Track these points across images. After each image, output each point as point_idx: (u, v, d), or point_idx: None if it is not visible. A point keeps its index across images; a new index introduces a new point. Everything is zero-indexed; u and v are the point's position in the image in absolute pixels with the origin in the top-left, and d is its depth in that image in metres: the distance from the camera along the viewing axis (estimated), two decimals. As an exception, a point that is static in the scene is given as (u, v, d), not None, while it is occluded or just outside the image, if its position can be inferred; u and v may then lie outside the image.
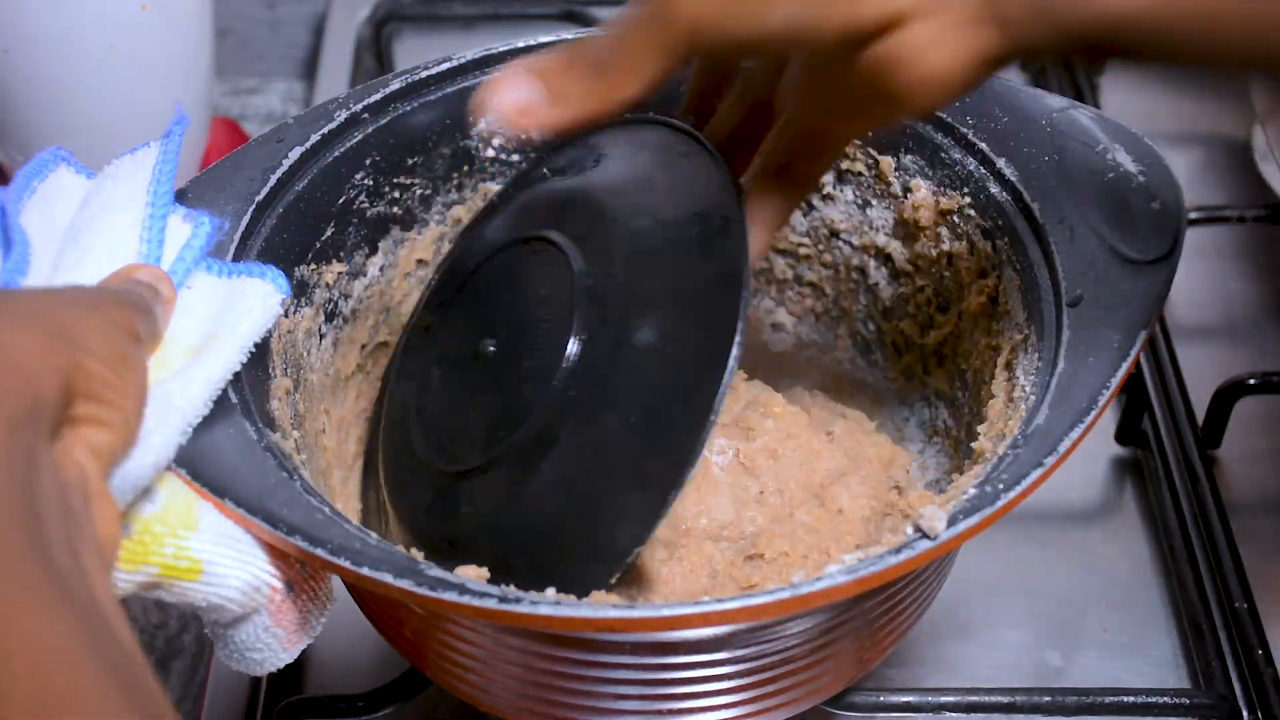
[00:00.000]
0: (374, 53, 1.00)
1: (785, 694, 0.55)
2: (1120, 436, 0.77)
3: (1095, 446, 0.77)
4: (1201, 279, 0.86)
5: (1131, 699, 0.64)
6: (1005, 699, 0.64)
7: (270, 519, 0.48)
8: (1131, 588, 0.71)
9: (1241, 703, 0.65)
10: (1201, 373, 0.79)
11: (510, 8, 1.03)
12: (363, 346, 0.66)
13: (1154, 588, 0.71)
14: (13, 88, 0.78)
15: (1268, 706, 0.64)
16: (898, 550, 0.48)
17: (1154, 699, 0.64)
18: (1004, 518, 0.73)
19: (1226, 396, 0.75)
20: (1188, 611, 0.69)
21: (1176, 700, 0.64)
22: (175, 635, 0.74)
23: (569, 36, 0.66)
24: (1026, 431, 0.52)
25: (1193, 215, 0.84)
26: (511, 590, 0.47)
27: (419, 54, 0.69)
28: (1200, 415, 0.76)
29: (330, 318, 0.63)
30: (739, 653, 0.53)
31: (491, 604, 0.46)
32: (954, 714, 0.64)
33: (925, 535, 0.48)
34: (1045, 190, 0.59)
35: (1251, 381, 0.75)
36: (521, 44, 0.65)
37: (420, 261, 0.67)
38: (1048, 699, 0.64)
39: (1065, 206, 0.58)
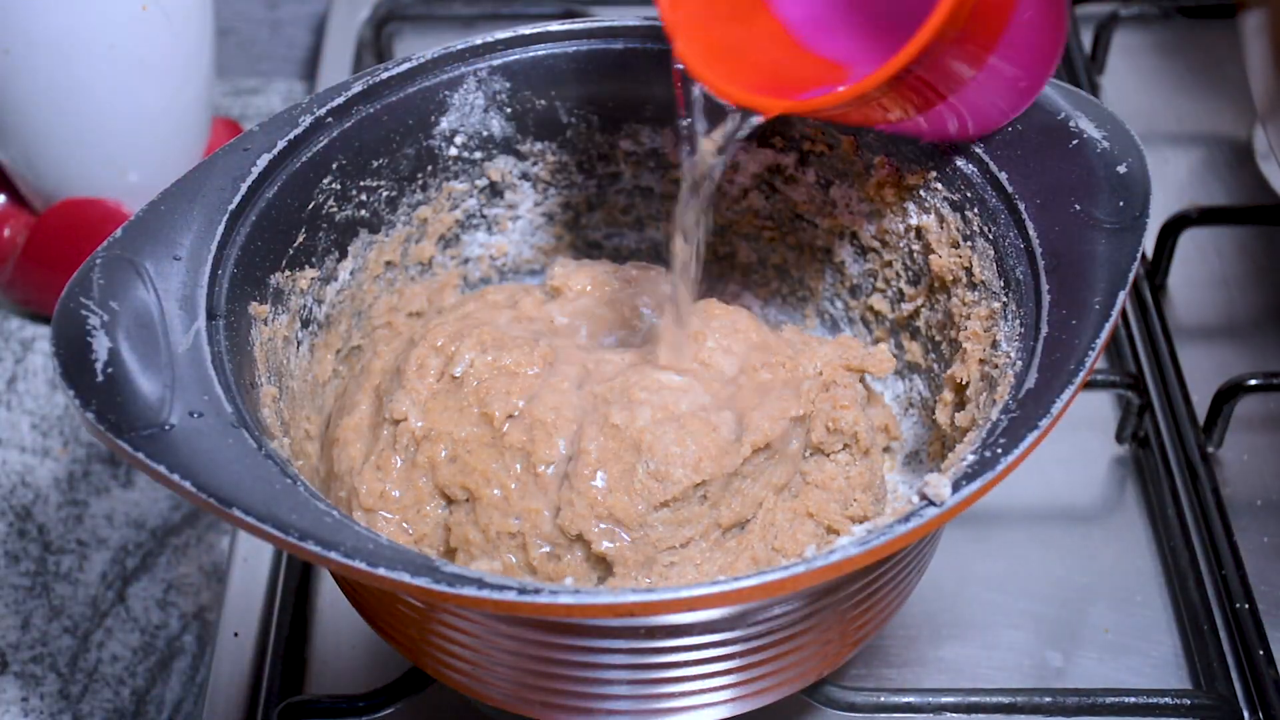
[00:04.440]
0: (375, 53, 1.00)
1: (778, 675, 0.56)
2: (1120, 436, 0.77)
3: (1095, 446, 0.78)
4: (1202, 279, 0.86)
5: (1132, 699, 0.64)
6: (1006, 699, 0.64)
7: (280, 526, 0.48)
8: (1132, 588, 0.71)
9: (1243, 703, 0.65)
10: (1201, 373, 0.79)
11: (510, 7, 1.03)
12: (337, 351, 0.66)
13: (1155, 588, 0.71)
14: (13, 88, 0.78)
15: (1269, 707, 0.65)
16: (906, 519, 0.49)
17: (1155, 700, 0.64)
18: (1005, 517, 0.74)
19: (1226, 396, 0.75)
20: (1189, 612, 0.69)
21: (1178, 701, 0.64)
22: (177, 635, 0.74)
23: (531, 30, 0.66)
24: (1018, 396, 0.52)
25: (1193, 215, 0.84)
26: (529, 582, 0.47)
27: (420, 54, 0.69)
28: (1200, 415, 0.76)
29: (305, 324, 0.63)
30: (734, 634, 0.53)
31: (510, 596, 0.46)
32: (955, 714, 0.64)
33: (931, 503, 0.49)
34: (1011, 160, 0.59)
35: (1251, 381, 0.75)
36: (479, 40, 0.65)
37: (389, 264, 0.67)
38: (1049, 699, 0.64)
39: (1033, 175, 0.59)
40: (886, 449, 0.66)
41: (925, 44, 0.50)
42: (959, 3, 0.50)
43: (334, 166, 0.63)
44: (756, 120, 0.57)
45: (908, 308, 0.66)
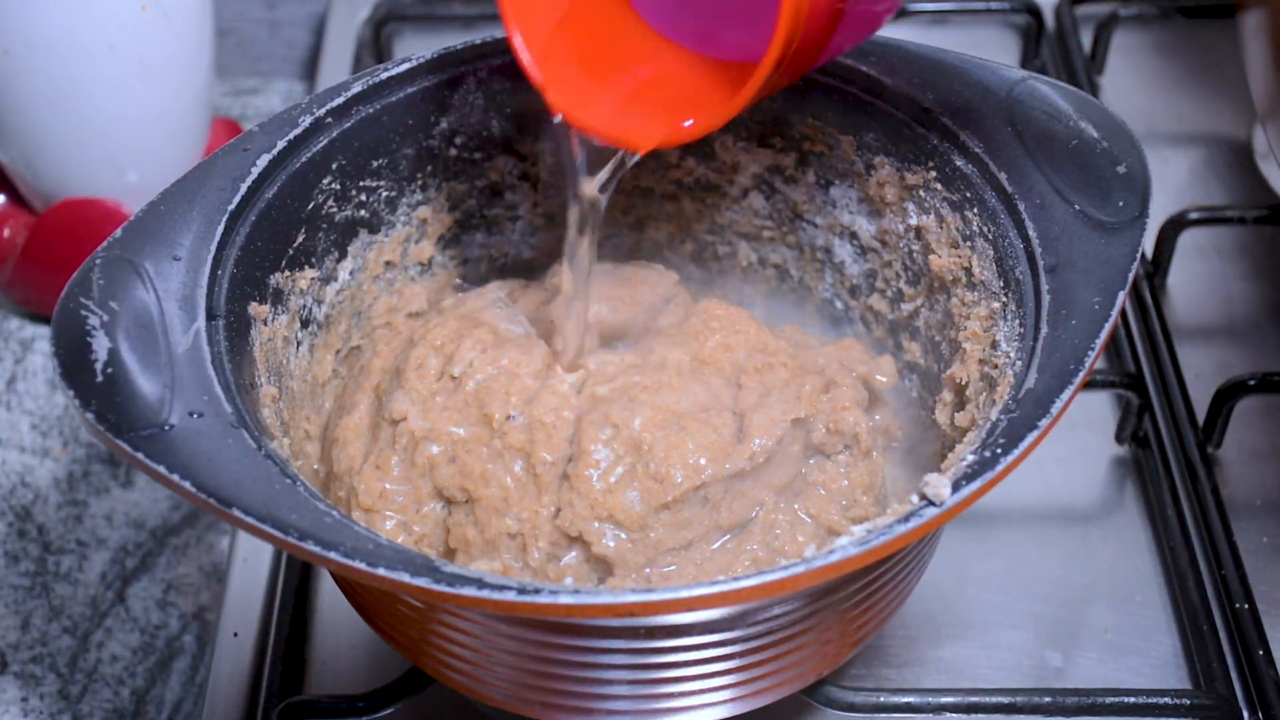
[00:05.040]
0: (374, 53, 1.00)
1: (778, 675, 0.56)
2: (1120, 436, 0.77)
3: (1095, 446, 0.78)
4: (1201, 279, 0.86)
5: (1132, 700, 0.64)
6: (1006, 699, 0.64)
7: (280, 526, 0.48)
8: (1132, 588, 0.71)
9: (1242, 703, 0.65)
10: (1201, 373, 0.79)
11: (510, 8, 1.03)
12: (337, 351, 0.66)
13: (1154, 588, 0.71)
14: (13, 88, 0.78)
15: (1268, 707, 0.65)
16: (906, 519, 0.49)
17: (1155, 700, 0.64)
18: (1005, 517, 0.74)
19: (1226, 396, 0.75)
20: (1188, 612, 0.69)
21: (1177, 701, 0.64)
22: (176, 636, 0.74)
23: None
24: (1018, 396, 0.52)
25: (1193, 215, 0.84)
26: (529, 582, 0.47)
27: (419, 54, 0.69)
28: (1200, 415, 0.76)
29: (305, 324, 0.63)
30: (734, 634, 0.53)
31: (510, 596, 0.46)
32: (954, 715, 0.64)
33: (931, 503, 0.49)
34: (1011, 160, 0.59)
35: (1251, 381, 0.75)
36: (479, 40, 0.65)
37: (389, 264, 0.67)
38: (1048, 699, 0.64)
39: (1032, 175, 0.59)
40: (886, 449, 0.66)
41: (774, 62, 0.50)
42: (795, 13, 0.49)
43: (334, 167, 0.63)
44: (634, 157, 0.57)
45: (907, 308, 0.66)
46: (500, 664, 0.55)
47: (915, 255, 0.65)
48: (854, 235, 0.67)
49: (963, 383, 0.60)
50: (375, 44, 1.01)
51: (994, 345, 0.58)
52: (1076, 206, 0.57)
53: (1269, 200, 0.90)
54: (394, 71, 0.64)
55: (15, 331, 0.88)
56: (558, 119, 0.57)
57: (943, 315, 0.63)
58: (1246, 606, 0.68)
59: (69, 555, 0.77)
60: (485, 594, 0.46)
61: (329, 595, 0.71)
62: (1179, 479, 0.74)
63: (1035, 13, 1.00)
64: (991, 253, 0.59)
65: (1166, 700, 0.64)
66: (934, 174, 0.62)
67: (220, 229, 0.57)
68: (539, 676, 0.55)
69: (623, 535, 0.57)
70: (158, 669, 0.73)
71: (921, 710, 0.64)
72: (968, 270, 0.61)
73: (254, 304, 0.58)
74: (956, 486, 0.49)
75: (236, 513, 0.48)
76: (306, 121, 0.61)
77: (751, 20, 0.57)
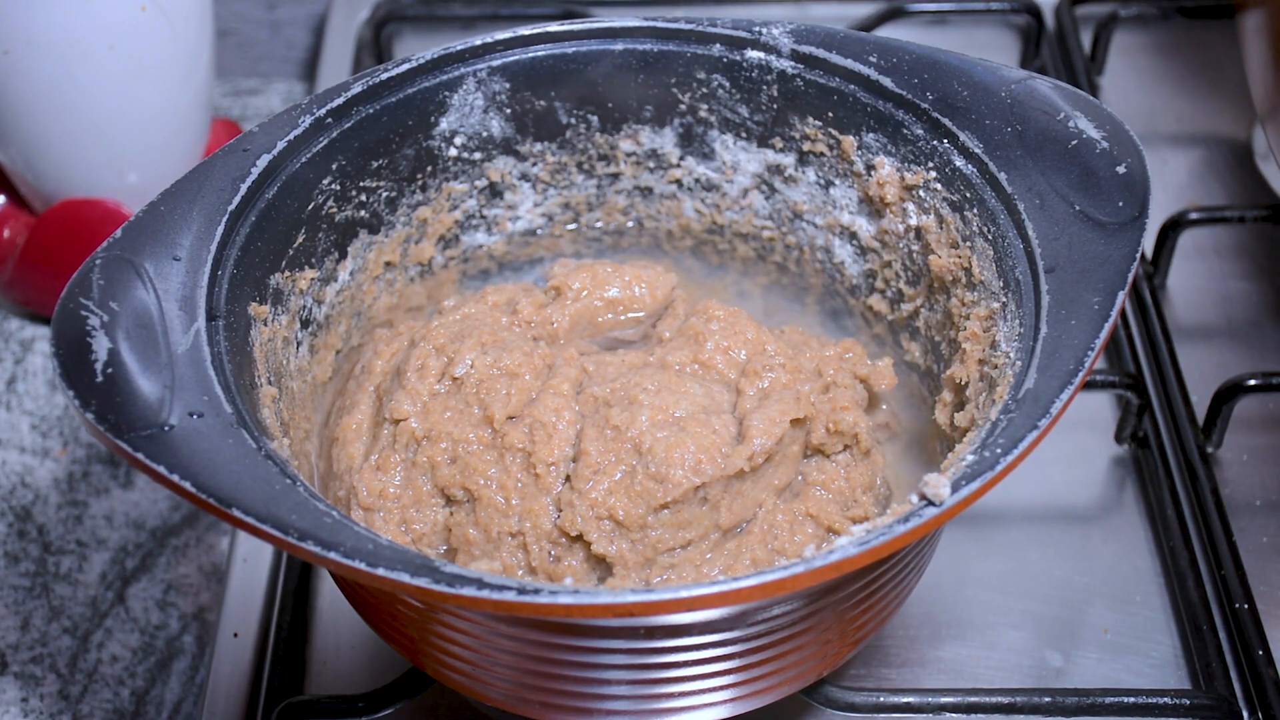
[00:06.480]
0: (374, 53, 1.00)
1: (778, 675, 0.56)
2: (1120, 437, 0.77)
3: (1095, 446, 0.78)
4: (1201, 279, 0.86)
5: (1132, 699, 0.64)
6: (1006, 700, 0.64)
7: (280, 526, 0.48)
8: (1132, 588, 0.71)
9: (1242, 703, 0.65)
10: (1201, 373, 0.79)
11: (510, 8, 1.03)
12: (337, 351, 0.66)
13: (1154, 588, 0.71)
14: (13, 88, 0.78)
15: (1268, 707, 0.65)
16: (905, 519, 0.49)
17: (1154, 699, 0.64)
18: (1005, 517, 0.74)
19: (1226, 396, 0.75)
20: (1188, 612, 0.69)
21: (1177, 701, 0.64)
22: (176, 636, 0.74)
23: (530, 31, 0.66)
24: (1017, 396, 0.52)
25: (1193, 215, 0.84)
26: (529, 582, 0.47)
27: (419, 55, 0.69)
28: (1200, 415, 0.76)
29: (305, 324, 0.63)
30: (734, 634, 0.53)
31: (510, 596, 0.46)
32: (954, 715, 0.64)
33: (931, 503, 0.49)
34: (1011, 160, 0.59)
35: (1251, 381, 0.75)
36: (479, 41, 0.65)
37: (388, 264, 0.67)
38: (1048, 699, 0.64)
39: (1032, 176, 0.59)
40: (886, 448, 0.66)
41: None
42: None
43: (333, 167, 0.63)
44: None
45: (907, 308, 0.66)
46: (500, 664, 0.55)
47: (915, 255, 0.65)
48: (854, 235, 0.67)
49: (962, 383, 0.60)
50: (375, 44, 1.01)
51: (994, 345, 0.58)
52: (1076, 206, 0.57)
53: (1269, 200, 0.90)
54: (394, 72, 0.64)
55: (15, 332, 0.88)
56: None
57: (942, 315, 0.63)
58: (1246, 606, 0.68)
59: (69, 556, 0.77)
60: (485, 594, 0.46)
61: (329, 595, 0.71)
62: (1179, 479, 0.74)
63: (1035, 13, 1.00)
64: (991, 253, 0.59)
65: (1166, 700, 0.64)
66: (934, 174, 0.62)
67: (220, 229, 0.57)
68: (539, 676, 0.55)
69: (623, 535, 0.57)
70: (158, 669, 0.73)
71: (921, 710, 0.64)
72: (967, 270, 0.61)
73: (254, 304, 0.58)
74: (956, 487, 0.49)
75: (236, 513, 0.48)
76: (306, 122, 0.61)
77: None
